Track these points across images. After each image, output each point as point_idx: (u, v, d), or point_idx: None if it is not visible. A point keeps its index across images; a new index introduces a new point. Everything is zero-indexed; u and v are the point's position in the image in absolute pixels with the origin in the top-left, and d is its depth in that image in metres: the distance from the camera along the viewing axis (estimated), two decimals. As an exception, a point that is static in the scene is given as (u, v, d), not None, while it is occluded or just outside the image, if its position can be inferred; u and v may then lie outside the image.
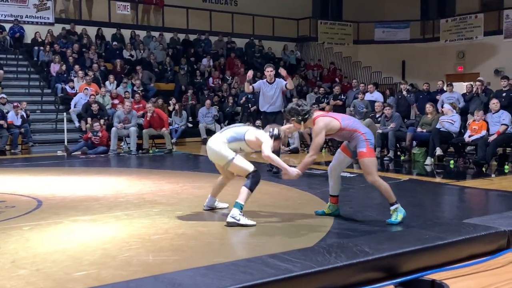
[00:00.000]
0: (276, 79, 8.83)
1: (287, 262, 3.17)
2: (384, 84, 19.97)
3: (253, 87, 8.81)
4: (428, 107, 11.02)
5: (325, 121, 4.94)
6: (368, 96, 13.48)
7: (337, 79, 19.70)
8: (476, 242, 3.78)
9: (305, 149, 13.38)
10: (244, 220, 4.91)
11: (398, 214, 4.91)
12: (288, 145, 12.98)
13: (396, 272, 3.39)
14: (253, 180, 5.07)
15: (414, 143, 10.91)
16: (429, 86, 13.53)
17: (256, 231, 4.86)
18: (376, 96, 13.69)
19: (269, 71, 8.69)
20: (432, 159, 10.04)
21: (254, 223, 4.93)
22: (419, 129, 10.88)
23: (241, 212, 4.95)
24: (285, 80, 8.79)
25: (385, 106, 11.64)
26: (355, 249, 3.37)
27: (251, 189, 5.05)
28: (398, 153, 11.25)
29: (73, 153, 12.17)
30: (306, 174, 9.03)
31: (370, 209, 5.81)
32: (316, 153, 4.95)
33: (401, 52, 21.56)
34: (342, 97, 15.06)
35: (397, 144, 11.18)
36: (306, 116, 5.01)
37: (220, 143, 5.19)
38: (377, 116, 11.91)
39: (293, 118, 5.05)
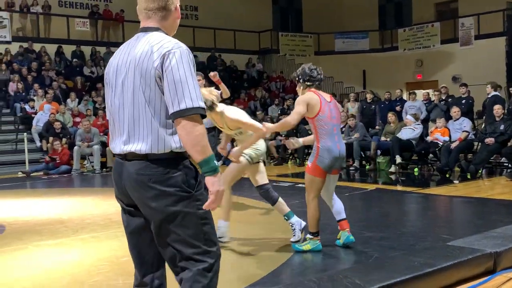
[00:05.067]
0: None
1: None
2: (346, 94, 20.20)
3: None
4: (390, 116, 11.20)
5: (313, 97, 4.43)
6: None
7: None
8: (463, 266, 3.71)
9: (271, 161, 13.39)
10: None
11: (307, 244, 4.49)
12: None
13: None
14: None
15: (379, 152, 11.05)
16: (391, 95, 13.73)
17: (225, 249, 4.79)
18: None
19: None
20: (396, 167, 10.18)
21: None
22: (383, 138, 11.03)
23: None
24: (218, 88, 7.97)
25: (349, 117, 11.76)
26: (346, 281, 3.26)
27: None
28: (363, 162, 11.37)
29: (34, 173, 11.92)
30: (273, 187, 9.05)
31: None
32: (294, 120, 4.41)
33: (361, 62, 21.87)
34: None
35: (362, 154, 11.31)
36: (309, 83, 4.53)
37: None
38: (341, 126, 12.00)
39: (300, 80, 4.55)
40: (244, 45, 22.36)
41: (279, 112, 15.72)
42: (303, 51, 22.91)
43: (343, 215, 4.64)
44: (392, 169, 10.19)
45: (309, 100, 4.41)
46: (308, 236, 4.54)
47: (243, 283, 3.70)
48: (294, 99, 17.32)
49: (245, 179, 9.60)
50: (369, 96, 13.43)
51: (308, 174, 4.49)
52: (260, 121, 14.61)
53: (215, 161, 2.17)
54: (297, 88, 4.72)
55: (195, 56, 20.99)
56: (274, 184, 9.36)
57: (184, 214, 2.19)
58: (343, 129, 11.77)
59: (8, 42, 17.61)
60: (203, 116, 2.17)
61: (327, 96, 4.57)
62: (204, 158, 2.14)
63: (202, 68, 20.56)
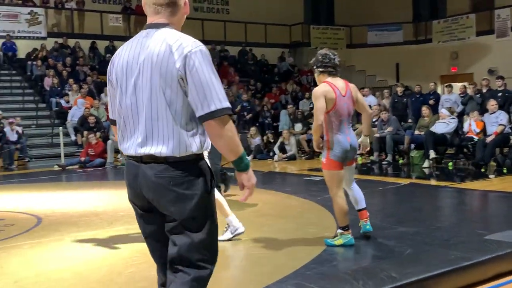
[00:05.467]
0: None
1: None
2: (379, 87, 19.98)
3: None
4: (425, 110, 11.05)
5: (329, 91, 4.38)
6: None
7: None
8: (501, 260, 3.65)
9: (302, 155, 13.36)
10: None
11: (339, 239, 4.46)
12: (285, 152, 12.98)
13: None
14: None
15: (412, 146, 10.91)
16: (421, 88, 13.53)
17: (259, 242, 4.81)
18: (370, 100, 13.70)
19: None
20: (430, 161, 10.04)
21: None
22: (416, 132, 10.89)
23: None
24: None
25: (382, 110, 11.64)
26: (382, 275, 3.23)
27: None
28: (397, 156, 11.25)
29: (69, 167, 12.16)
30: (305, 181, 9.06)
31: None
32: (320, 120, 4.36)
33: (394, 55, 21.57)
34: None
35: (395, 148, 11.19)
36: (321, 70, 4.54)
37: None
38: (374, 120, 11.90)
39: (314, 67, 4.61)
40: (275, 39, 22.30)
41: (310, 106, 15.65)
42: (335, 44, 22.67)
43: (363, 205, 4.61)
44: (426, 163, 10.06)
45: (326, 93, 4.37)
46: (339, 231, 4.51)
47: (275, 276, 3.71)
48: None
49: (276, 173, 9.56)
50: (399, 89, 13.25)
51: (326, 170, 4.48)
52: (291, 115, 14.64)
53: (246, 157, 2.18)
54: (314, 75, 4.69)
55: (225, 51, 21.12)
56: (305, 178, 9.38)
57: (201, 219, 2.16)
58: (376, 122, 11.67)
59: (43, 38, 17.96)
60: (230, 116, 2.15)
61: (342, 88, 4.48)
62: (238, 157, 2.13)
63: (233, 62, 20.66)
